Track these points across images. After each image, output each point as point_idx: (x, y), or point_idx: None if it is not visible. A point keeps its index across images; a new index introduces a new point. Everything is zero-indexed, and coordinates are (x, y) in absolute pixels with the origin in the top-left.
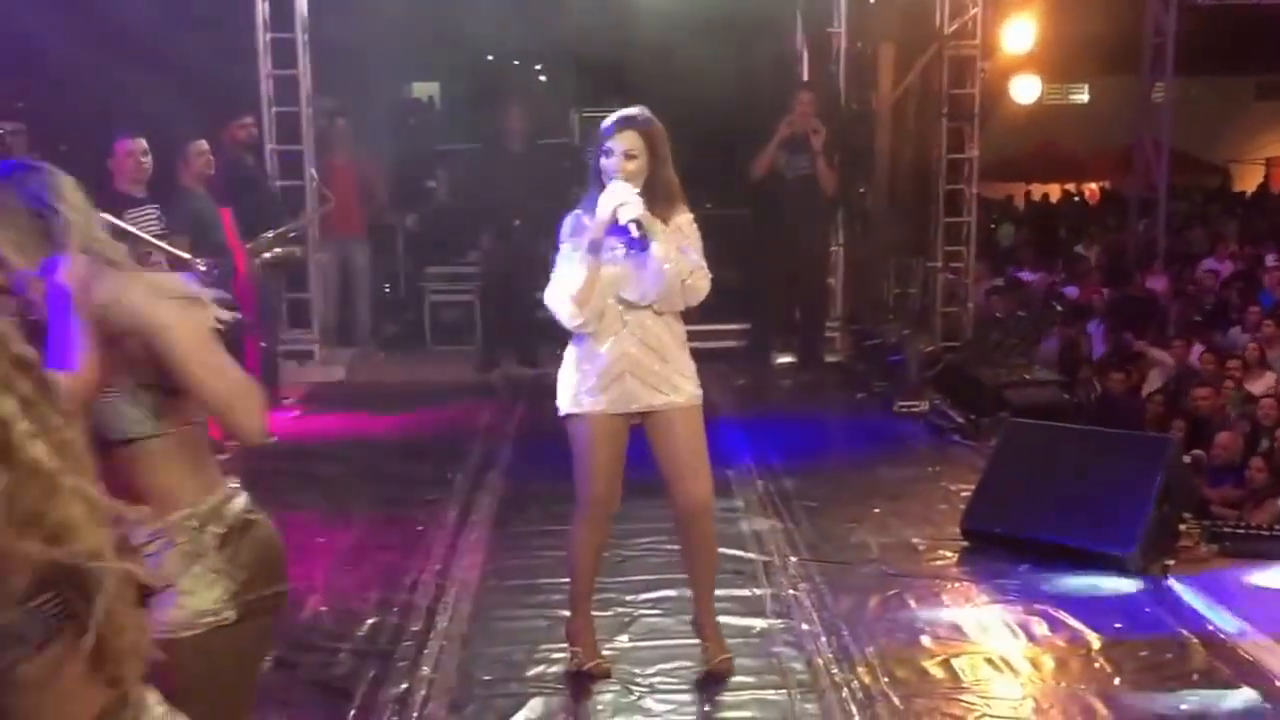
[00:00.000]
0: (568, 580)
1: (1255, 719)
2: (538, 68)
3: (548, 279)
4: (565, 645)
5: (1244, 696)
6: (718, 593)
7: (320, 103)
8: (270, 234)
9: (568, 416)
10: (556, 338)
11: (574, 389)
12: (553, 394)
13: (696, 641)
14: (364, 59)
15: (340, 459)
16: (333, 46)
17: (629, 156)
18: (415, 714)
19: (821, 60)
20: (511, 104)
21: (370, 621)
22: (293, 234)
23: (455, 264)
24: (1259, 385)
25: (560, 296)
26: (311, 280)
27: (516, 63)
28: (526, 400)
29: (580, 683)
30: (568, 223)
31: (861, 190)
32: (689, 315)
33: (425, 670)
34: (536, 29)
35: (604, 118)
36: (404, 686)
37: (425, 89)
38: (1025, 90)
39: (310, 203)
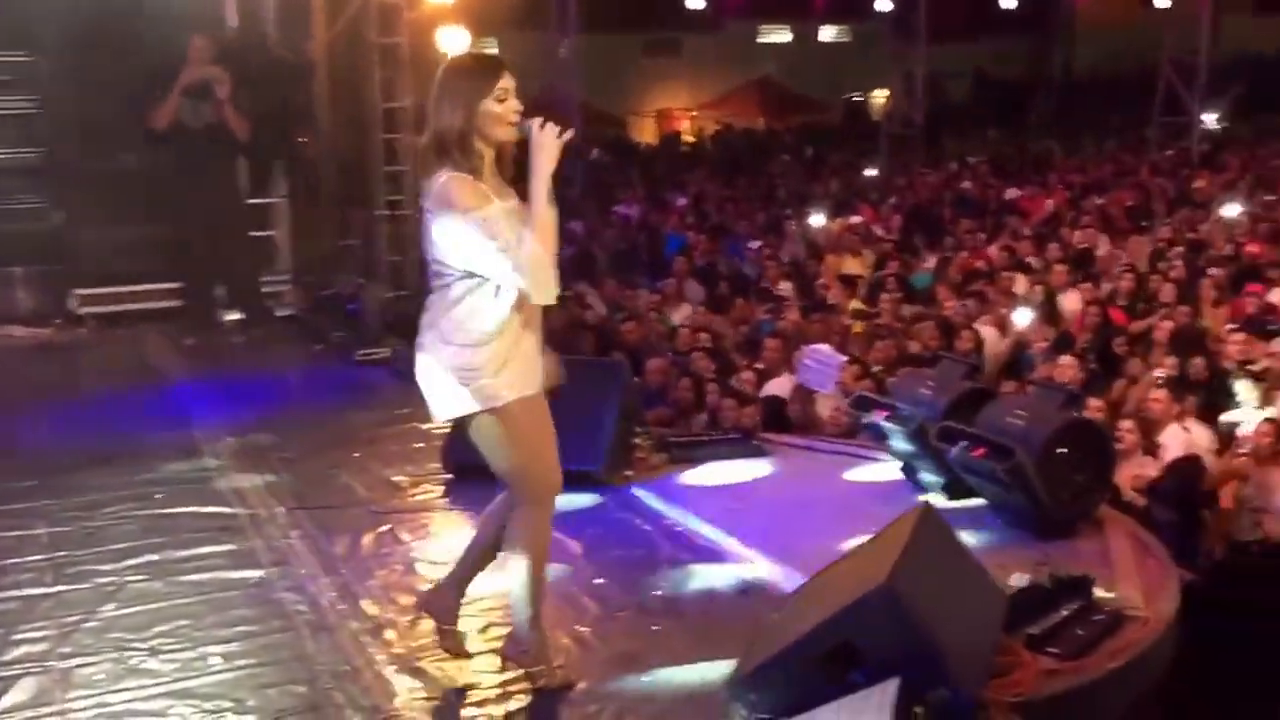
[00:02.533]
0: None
1: (712, 593)
2: None
3: None
4: (93, 632)
5: (704, 575)
6: (204, 550)
7: None
8: None
9: (508, 405)
10: None
11: (511, 370)
12: None
13: (191, 600)
14: None
15: None
16: None
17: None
18: None
19: (251, 7)
20: None
21: None
22: None
23: None
24: (678, 315)
25: (546, 266)
26: None
27: None
28: None
29: (71, 657)
30: (466, 188)
31: (303, 140)
32: (121, 275)
33: None
34: None
35: None
36: None
37: None
38: (452, 41)
39: None
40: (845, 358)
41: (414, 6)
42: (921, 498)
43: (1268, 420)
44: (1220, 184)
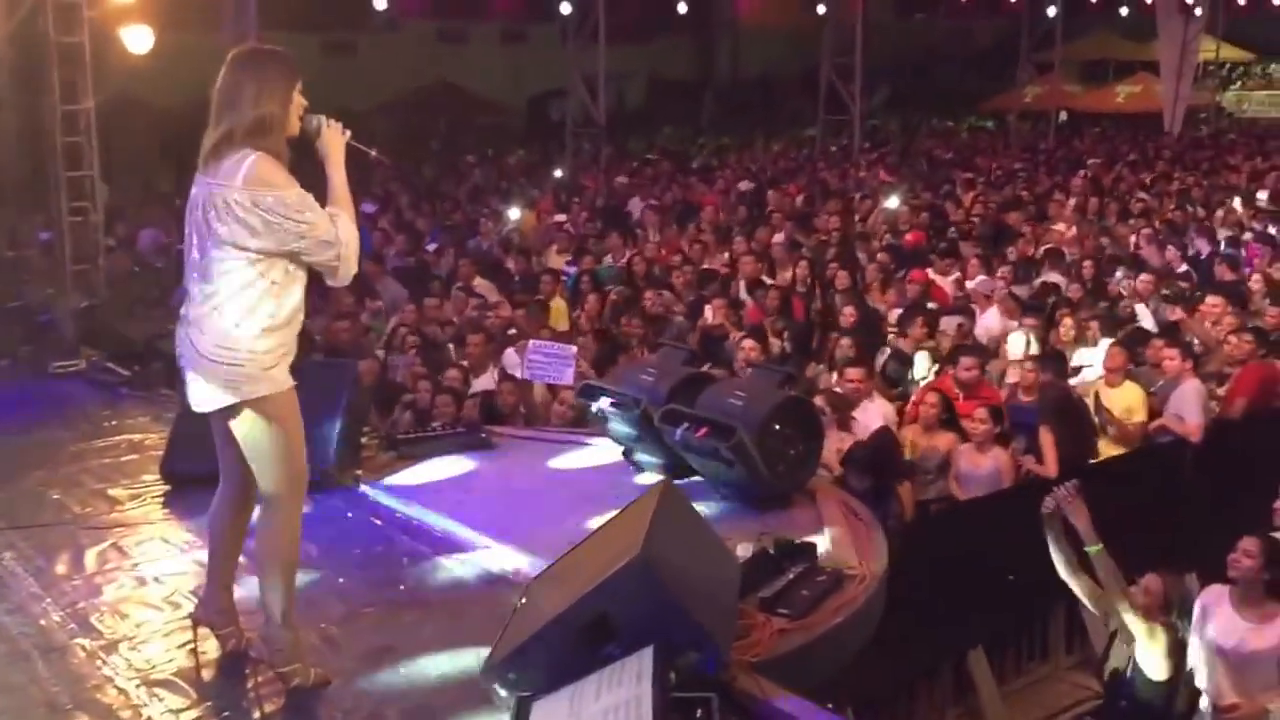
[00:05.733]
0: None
1: (456, 583)
2: None
3: None
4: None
5: (446, 566)
6: None
7: None
8: None
9: (287, 393)
10: None
11: (288, 359)
12: None
13: None
14: None
15: None
16: None
17: None
18: None
19: None
20: None
21: None
22: None
23: None
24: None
25: (358, 246)
26: None
27: None
28: None
29: None
30: (277, 167)
31: None
32: None
33: None
34: None
35: None
36: None
37: None
38: (137, 40)
39: None
40: (574, 348)
41: (95, 5)
42: (643, 478)
43: (932, 390)
44: (880, 178)
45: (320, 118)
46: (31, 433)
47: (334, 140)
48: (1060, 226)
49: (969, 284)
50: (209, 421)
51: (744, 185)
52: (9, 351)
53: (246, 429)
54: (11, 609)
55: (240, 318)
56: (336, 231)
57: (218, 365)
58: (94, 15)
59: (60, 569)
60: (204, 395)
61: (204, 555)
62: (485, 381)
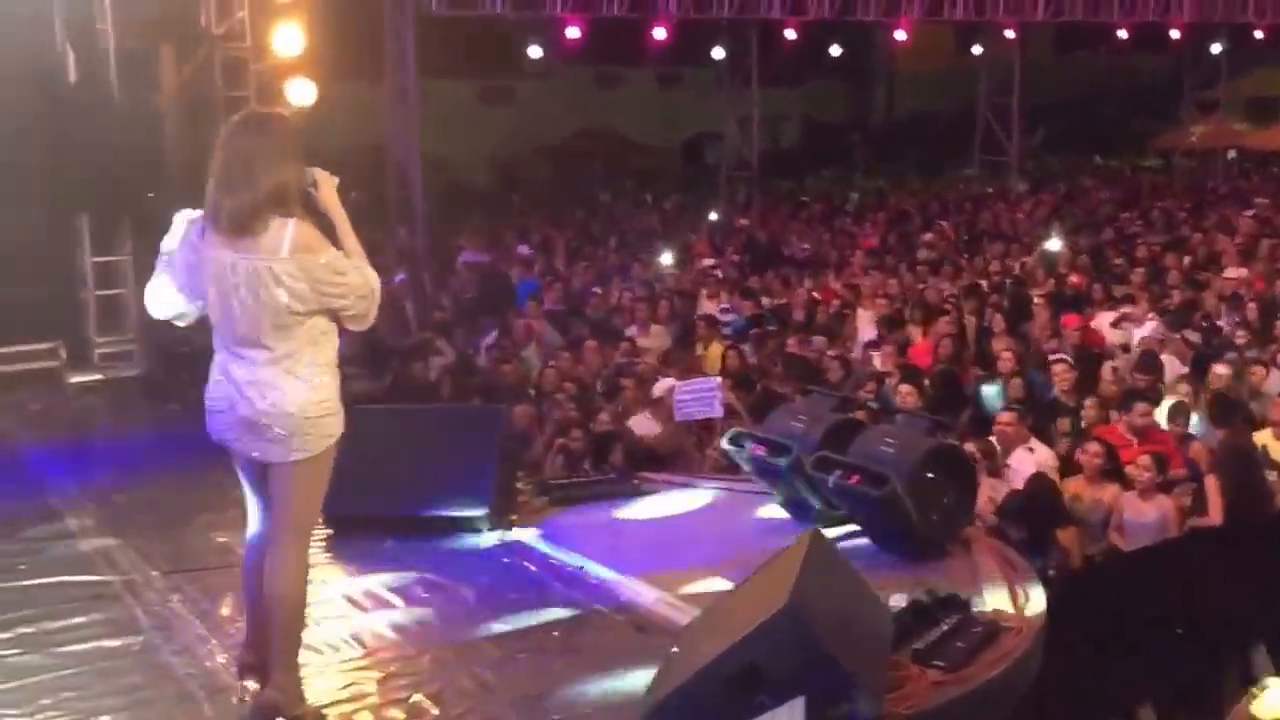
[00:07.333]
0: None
1: (609, 630)
2: None
3: None
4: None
5: (599, 613)
6: (80, 619)
7: None
8: None
9: (340, 435)
10: None
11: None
12: None
13: (75, 670)
14: None
15: None
16: None
17: None
18: None
19: (91, 60)
20: None
21: None
22: None
23: None
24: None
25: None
26: None
27: None
28: None
29: None
30: (315, 232)
31: (151, 194)
32: None
33: None
34: None
35: None
36: None
37: None
38: (300, 93)
39: None
40: (717, 379)
41: (261, 59)
42: (794, 526)
43: (1096, 441)
44: (1039, 219)
45: (313, 170)
46: (198, 476)
47: (329, 189)
48: (1230, 270)
49: (1143, 330)
50: (349, 465)
51: (945, 223)
52: (178, 396)
53: (307, 476)
54: (179, 650)
55: (314, 372)
56: (370, 283)
57: (306, 420)
58: (259, 69)
59: (225, 611)
60: (282, 449)
61: (362, 597)
62: (638, 426)
